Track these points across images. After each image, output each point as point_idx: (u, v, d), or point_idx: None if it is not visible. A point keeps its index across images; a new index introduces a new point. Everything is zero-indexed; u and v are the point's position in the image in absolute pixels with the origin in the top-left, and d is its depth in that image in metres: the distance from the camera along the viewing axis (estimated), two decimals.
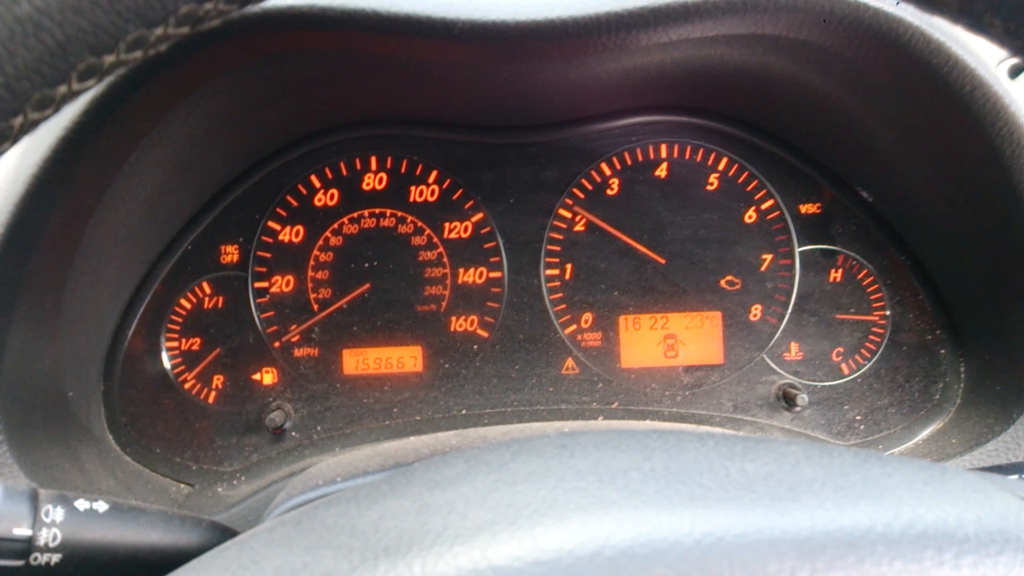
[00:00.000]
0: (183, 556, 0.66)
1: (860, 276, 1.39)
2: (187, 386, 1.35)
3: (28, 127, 0.43)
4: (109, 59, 0.42)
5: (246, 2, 0.44)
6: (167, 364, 1.35)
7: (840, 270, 1.40)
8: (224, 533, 0.80)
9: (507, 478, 0.53)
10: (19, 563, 0.64)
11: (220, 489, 1.28)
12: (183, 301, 1.35)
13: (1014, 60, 1.53)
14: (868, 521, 0.44)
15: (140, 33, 0.42)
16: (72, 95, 0.43)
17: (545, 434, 0.61)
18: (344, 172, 1.38)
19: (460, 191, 1.38)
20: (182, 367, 1.35)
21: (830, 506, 0.46)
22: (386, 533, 0.49)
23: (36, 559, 0.65)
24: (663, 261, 1.39)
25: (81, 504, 0.70)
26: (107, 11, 0.41)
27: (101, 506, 0.71)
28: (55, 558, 0.66)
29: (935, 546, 0.43)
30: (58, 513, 0.67)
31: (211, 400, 1.35)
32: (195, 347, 1.36)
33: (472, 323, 1.39)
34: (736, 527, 0.44)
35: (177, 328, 1.35)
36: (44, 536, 0.66)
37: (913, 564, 0.42)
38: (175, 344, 1.35)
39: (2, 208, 0.97)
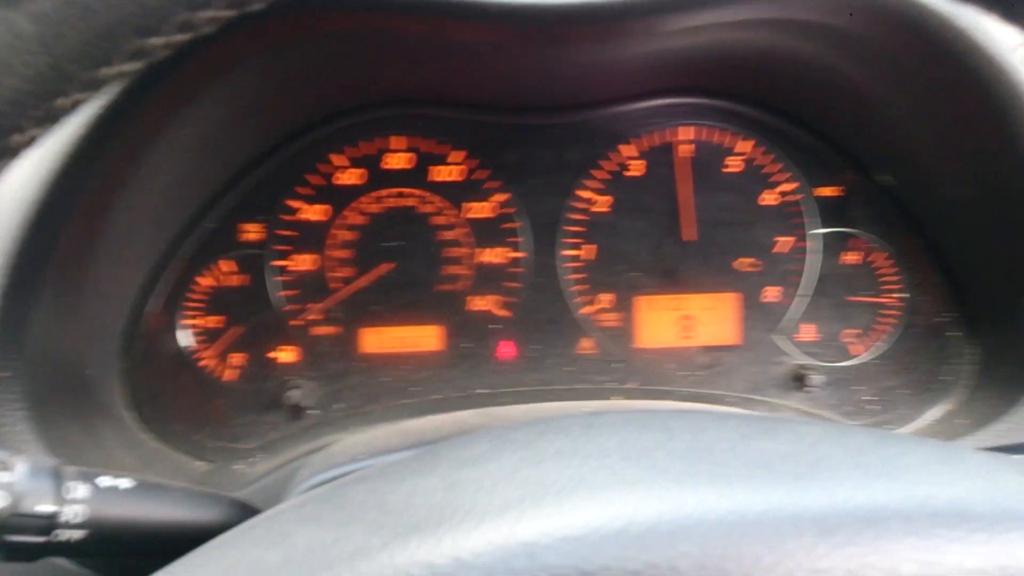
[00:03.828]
0: (205, 533, 0.66)
1: (875, 259, 1.41)
2: (205, 364, 1.34)
3: (73, 107, 0.44)
4: (156, 41, 0.43)
5: None
6: (186, 342, 1.34)
7: (856, 253, 1.41)
8: (245, 510, 0.81)
9: (533, 456, 0.54)
10: (42, 539, 0.65)
11: (238, 467, 1.28)
12: (202, 279, 1.34)
13: None
14: (883, 499, 0.46)
15: (186, 16, 0.42)
16: (118, 76, 0.43)
17: (568, 414, 0.63)
18: (367, 152, 1.37)
19: (483, 172, 1.38)
20: (201, 345, 1.34)
21: (847, 484, 0.48)
22: (416, 510, 0.49)
23: (59, 535, 0.65)
24: (690, 239, 1.40)
25: (104, 481, 0.70)
26: None
27: (124, 483, 0.71)
28: (78, 534, 0.67)
29: (947, 523, 0.44)
30: (81, 490, 0.67)
31: (229, 378, 1.35)
32: (214, 325, 1.35)
33: (492, 303, 1.40)
34: (757, 504, 0.45)
35: (197, 306, 1.34)
36: (67, 513, 0.66)
37: (926, 540, 0.43)
38: (194, 322, 1.34)
39: (35, 184, 0.96)
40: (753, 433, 0.57)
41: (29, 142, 0.44)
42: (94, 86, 0.43)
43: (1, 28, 0.40)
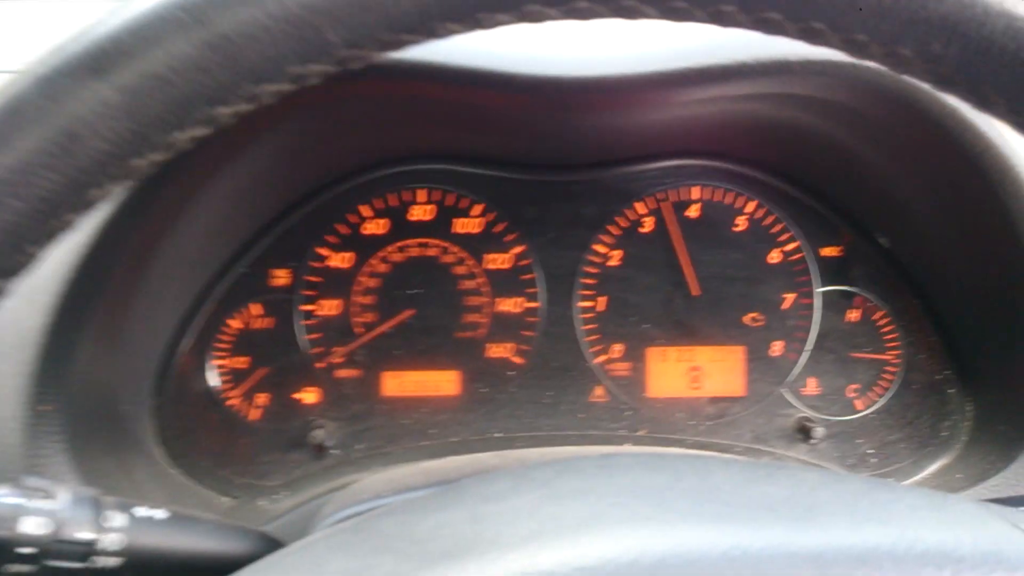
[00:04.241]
0: (234, 564, 0.68)
1: (876, 317, 1.47)
2: (232, 403, 1.40)
3: (148, 167, 0.48)
4: (224, 111, 0.47)
5: (346, 64, 0.48)
6: (214, 382, 1.39)
7: (857, 311, 1.47)
8: (273, 544, 0.84)
9: (552, 494, 0.58)
10: (80, 565, 0.67)
11: (262, 503, 1.32)
12: (232, 322, 1.40)
13: None
14: (875, 540, 0.49)
15: (252, 89, 0.47)
16: (190, 140, 0.48)
17: (584, 456, 0.67)
18: (393, 203, 1.43)
19: (503, 224, 1.45)
20: (228, 385, 1.40)
21: (842, 526, 0.51)
22: (443, 540, 0.53)
23: (96, 562, 0.68)
24: (695, 293, 1.46)
25: (141, 511, 0.73)
26: (227, 71, 0.46)
27: (159, 514, 0.75)
28: (114, 562, 0.69)
29: (935, 564, 0.47)
30: (119, 519, 0.70)
31: (254, 417, 1.40)
32: (241, 366, 1.40)
33: (508, 350, 1.45)
34: (759, 541, 0.48)
35: (225, 347, 1.40)
36: (106, 540, 0.69)
37: None
38: (223, 363, 1.40)
39: (87, 230, 1.02)
40: (756, 478, 0.61)
41: (104, 196, 0.48)
42: (168, 148, 0.47)
43: (91, 97, 0.45)
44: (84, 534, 0.68)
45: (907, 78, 1.08)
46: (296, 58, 0.47)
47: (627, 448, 1.40)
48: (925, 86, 1.07)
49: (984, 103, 0.52)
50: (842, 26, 0.49)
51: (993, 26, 0.48)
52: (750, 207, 1.47)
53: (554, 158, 1.44)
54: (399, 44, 0.49)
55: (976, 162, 1.13)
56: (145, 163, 0.47)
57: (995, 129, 1.13)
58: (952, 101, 1.10)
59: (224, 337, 1.40)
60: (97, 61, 0.45)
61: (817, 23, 0.49)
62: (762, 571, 0.47)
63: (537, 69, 1.07)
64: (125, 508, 0.72)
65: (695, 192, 1.47)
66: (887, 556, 0.48)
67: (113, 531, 0.70)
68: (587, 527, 0.51)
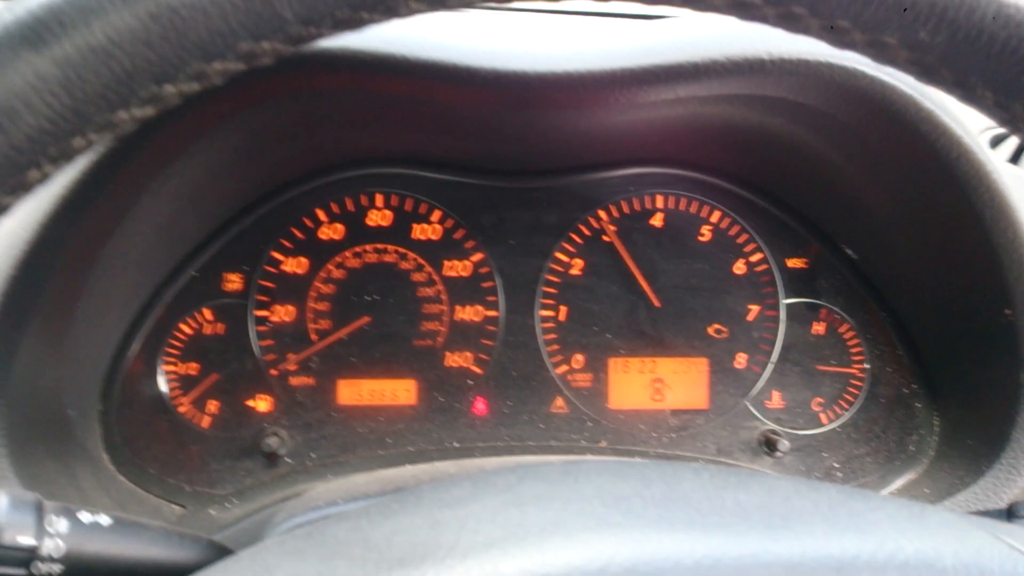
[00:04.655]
0: (182, 573, 0.67)
1: (842, 330, 1.45)
2: (182, 410, 1.37)
3: (86, 147, 0.46)
4: (170, 90, 0.45)
5: (299, 42, 0.47)
6: (164, 388, 1.36)
7: (823, 323, 1.45)
8: (222, 552, 0.81)
9: (514, 499, 0.56)
10: (21, 572, 0.65)
11: (213, 511, 1.29)
12: (183, 326, 1.37)
13: (996, 131, 1.61)
14: (855, 550, 0.48)
15: (201, 67, 0.45)
16: (131, 121, 0.46)
17: (547, 463, 0.64)
18: (350, 208, 1.41)
19: (462, 231, 1.42)
20: (178, 391, 1.37)
21: (819, 535, 0.50)
22: (399, 546, 0.50)
23: (38, 569, 0.66)
24: (658, 304, 1.43)
25: (84, 517, 0.70)
26: (174, 45, 0.44)
27: (104, 520, 0.72)
28: (57, 568, 0.67)
29: (916, 574, 0.46)
30: (62, 524, 0.68)
31: (205, 424, 1.37)
32: (192, 372, 1.37)
33: (467, 359, 1.43)
34: (733, 550, 0.47)
35: (176, 353, 1.37)
36: (48, 546, 0.66)
37: None
38: (173, 368, 1.37)
39: (26, 227, 0.99)
40: (727, 485, 0.58)
41: (43, 179, 0.45)
42: (109, 128, 0.45)
43: (26, 70, 0.42)
44: (24, 539, 0.65)
45: (884, 78, 1.06)
46: (247, 34, 0.45)
47: (590, 458, 1.37)
48: (901, 88, 1.06)
49: (970, 96, 0.50)
50: (823, 11, 0.46)
51: (984, 13, 0.46)
52: (715, 217, 1.45)
53: (515, 164, 1.41)
54: (357, 23, 0.46)
55: (951, 169, 1.11)
56: (85, 143, 0.45)
57: (971, 136, 1.11)
58: (928, 105, 1.08)
59: (174, 342, 1.37)
60: (33, 31, 0.43)
61: (797, 7, 0.46)
62: None
63: (500, 63, 1.03)
64: (68, 513, 0.69)
65: (659, 201, 1.44)
66: (867, 566, 0.46)
67: (55, 537, 0.67)
68: (552, 533, 0.49)
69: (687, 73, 1.03)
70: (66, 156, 0.45)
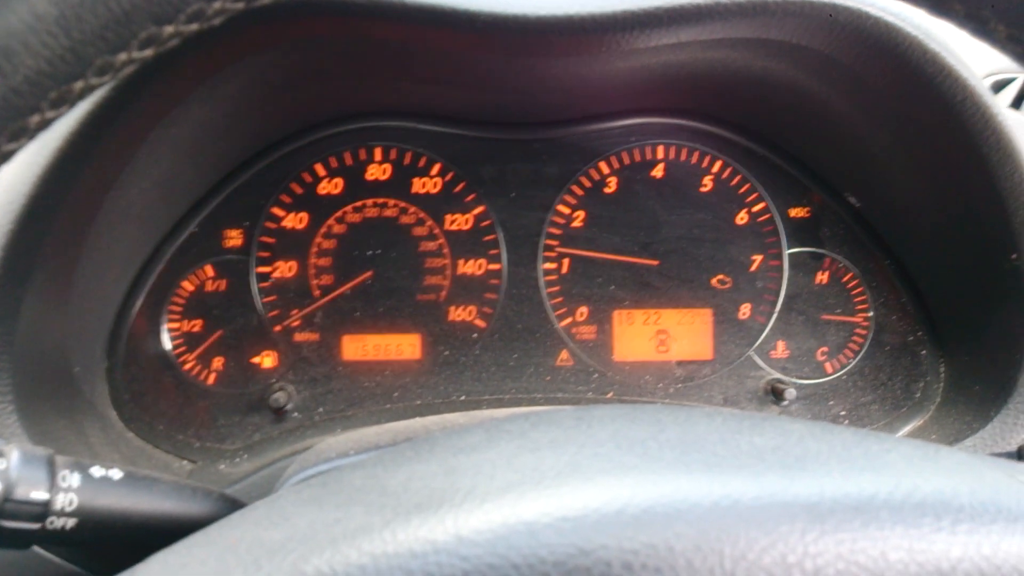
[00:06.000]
0: (194, 525, 0.66)
1: (846, 279, 1.44)
2: (187, 367, 1.37)
3: (87, 91, 0.45)
4: (168, 30, 0.45)
5: None
6: (168, 345, 1.37)
7: (826, 272, 1.44)
8: (235, 505, 0.82)
9: (529, 445, 0.56)
10: (35, 526, 0.65)
11: (222, 466, 1.30)
12: (186, 283, 1.37)
13: (997, 77, 1.59)
14: (872, 489, 0.47)
15: (199, 6, 0.45)
16: (131, 63, 0.45)
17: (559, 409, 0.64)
18: (349, 162, 1.40)
19: (462, 184, 1.42)
20: (183, 348, 1.37)
21: (836, 476, 0.49)
22: (416, 492, 0.51)
23: (52, 523, 0.66)
24: (655, 263, 1.43)
25: (96, 471, 0.71)
26: None
27: (116, 474, 0.72)
28: (70, 522, 0.67)
29: (933, 513, 0.46)
30: (74, 478, 0.68)
31: (211, 381, 1.38)
32: (196, 329, 1.38)
33: (471, 313, 1.43)
34: (750, 491, 0.47)
35: (179, 310, 1.37)
36: (61, 501, 0.66)
37: (913, 529, 0.45)
38: (176, 325, 1.37)
39: (25, 180, 0.98)
40: (741, 428, 0.58)
41: (45, 124, 0.45)
42: (109, 71, 0.45)
43: (22, 8, 0.42)
44: (38, 494, 0.65)
45: (888, 18, 1.04)
46: None
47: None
48: (906, 28, 1.04)
49: (982, 30, 0.49)
50: None
51: None
52: (717, 166, 1.44)
53: (515, 115, 1.40)
54: None
55: (956, 111, 1.09)
56: (85, 86, 0.45)
57: (976, 78, 1.09)
58: (934, 46, 1.06)
59: (178, 299, 1.37)
60: None
61: None
62: (755, 522, 0.44)
63: (499, 7, 1.01)
64: (80, 468, 0.69)
65: (660, 151, 1.43)
66: (884, 505, 0.46)
67: (68, 491, 0.67)
68: (569, 477, 0.49)
69: (690, 15, 1.02)
70: (67, 101, 0.45)
